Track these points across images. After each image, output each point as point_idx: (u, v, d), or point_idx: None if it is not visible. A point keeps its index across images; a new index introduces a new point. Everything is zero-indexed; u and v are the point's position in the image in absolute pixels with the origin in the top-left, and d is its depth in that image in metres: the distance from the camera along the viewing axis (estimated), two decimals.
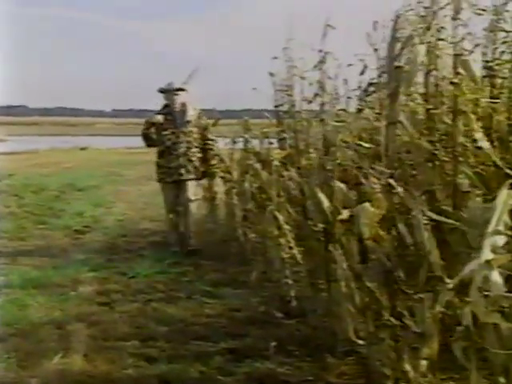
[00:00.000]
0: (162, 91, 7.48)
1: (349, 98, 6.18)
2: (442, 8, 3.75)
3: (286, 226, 5.26)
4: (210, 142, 7.57)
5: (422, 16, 4.25)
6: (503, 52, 4.22)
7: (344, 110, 5.67)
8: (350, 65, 5.61)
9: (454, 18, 3.74)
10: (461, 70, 3.81)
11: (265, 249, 5.97)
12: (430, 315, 2.94)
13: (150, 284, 5.91)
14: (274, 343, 4.25)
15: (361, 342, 3.81)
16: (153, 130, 7.40)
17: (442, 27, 3.49)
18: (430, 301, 2.94)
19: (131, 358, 4.11)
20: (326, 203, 4.10)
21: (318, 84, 5.93)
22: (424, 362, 2.97)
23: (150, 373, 3.91)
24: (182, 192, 7.38)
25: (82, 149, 30.23)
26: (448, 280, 2.91)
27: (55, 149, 28.70)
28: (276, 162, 5.65)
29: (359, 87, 5.31)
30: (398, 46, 3.24)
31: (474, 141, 3.72)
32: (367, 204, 3.49)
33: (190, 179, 7.38)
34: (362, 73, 5.27)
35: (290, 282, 5.17)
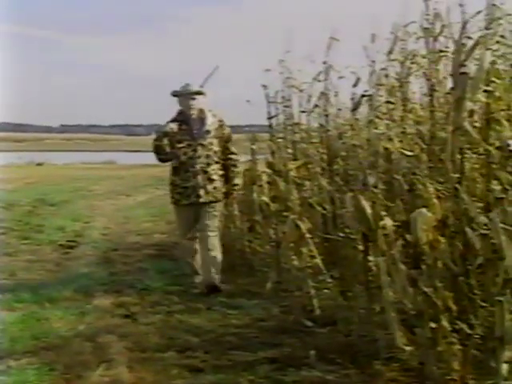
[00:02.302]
0: (175, 95, 6.22)
1: (339, 109, 6.37)
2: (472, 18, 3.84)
3: (308, 235, 5.28)
4: (232, 156, 6.23)
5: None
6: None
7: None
8: (341, 77, 5.75)
9: (487, 28, 3.84)
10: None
11: (278, 259, 5.98)
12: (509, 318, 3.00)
13: (164, 296, 5.83)
14: (313, 351, 4.24)
15: (409, 348, 3.86)
16: (166, 141, 6.09)
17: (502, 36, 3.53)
18: (508, 304, 3.01)
19: (175, 369, 4.05)
20: (368, 210, 4.13)
21: (322, 95, 6.04)
22: (505, 366, 3.02)
23: (199, 383, 3.86)
24: (201, 217, 6.09)
25: (39, 164, 29.76)
26: None
27: (11, 164, 28.06)
28: (293, 172, 5.68)
29: (352, 99, 5.42)
30: (464, 52, 3.31)
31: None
32: (424, 209, 3.54)
33: (209, 202, 6.08)
34: (355, 85, 5.37)
35: (313, 291, 5.19)
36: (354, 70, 5.25)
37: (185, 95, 6.15)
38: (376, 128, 4.55)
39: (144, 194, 16.57)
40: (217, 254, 6.09)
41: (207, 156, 6.06)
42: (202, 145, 6.06)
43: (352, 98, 5.28)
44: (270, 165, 5.95)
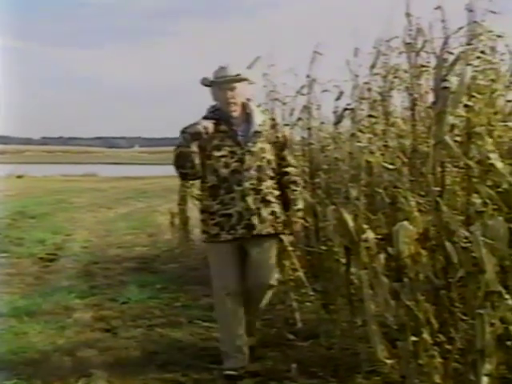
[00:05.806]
0: (207, 84, 4.21)
1: (322, 123, 6.39)
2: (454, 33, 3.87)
3: (291, 248, 5.28)
4: (290, 169, 4.33)
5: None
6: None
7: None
8: (324, 91, 5.77)
9: (468, 44, 3.88)
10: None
11: None
12: (490, 331, 3.01)
13: (145, 310, 5.80)
14: (294, 365, 4.23)
15: (390, 361, 3.86)
16: (195, 147, 4.07)
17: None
18: (489, 317, 3.02)
19: None
20: (351, 223, 4.14)
21: (305, 109, 6.06)
22: (485, 379, 3.03)
23: None
24: (251, 262, 4.22)
25: (19, 177, 29.55)
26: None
27: None
28: None
29: (335, 112, 5.45)
30: (446, 67, 3.34)
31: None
32: (406, 222, 3.55)
33: (266, 236, 4.19)
34: (338, 98, 5.40)
35: (295, 304, 5.18)
36: (337, 84, 5.29)
37: (219, 84, 4.18)
38: (358, 141, 4.57)
39: (125, 206, 16.53)
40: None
41: (259, 168, 4.15)
42: (251, 152, 4.14)
43: (335, 112, 5.31)
44: None
